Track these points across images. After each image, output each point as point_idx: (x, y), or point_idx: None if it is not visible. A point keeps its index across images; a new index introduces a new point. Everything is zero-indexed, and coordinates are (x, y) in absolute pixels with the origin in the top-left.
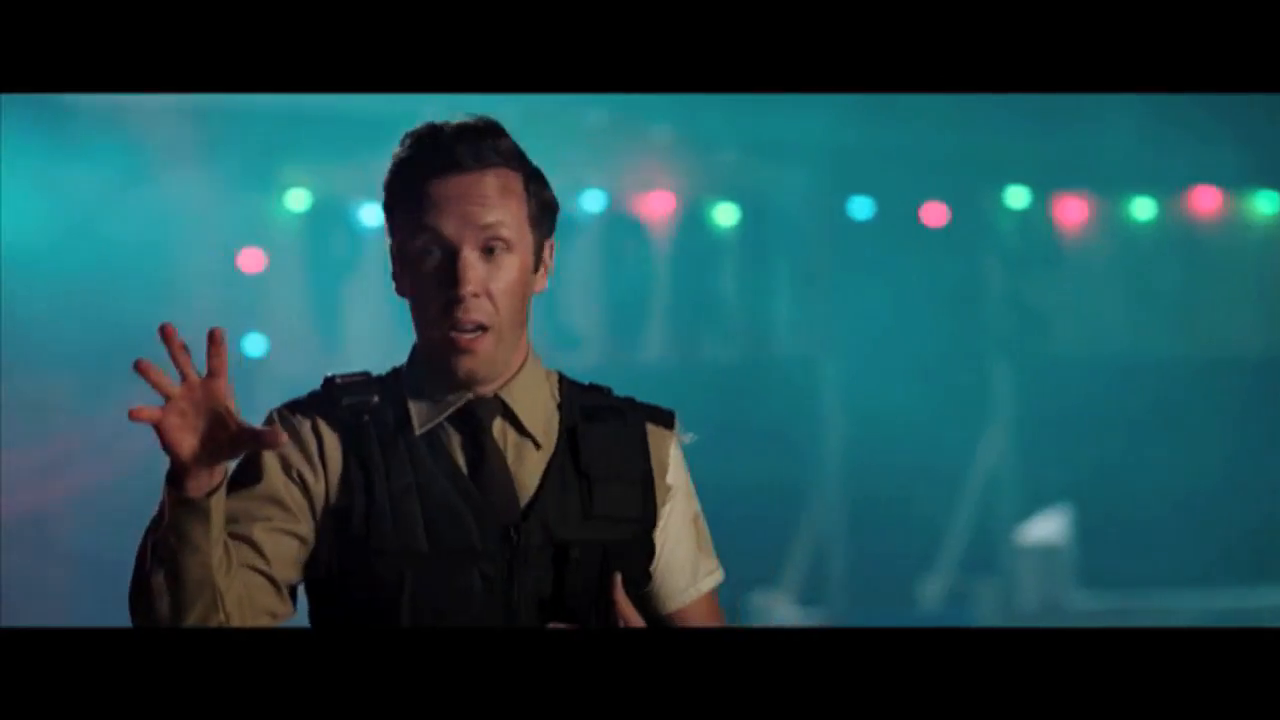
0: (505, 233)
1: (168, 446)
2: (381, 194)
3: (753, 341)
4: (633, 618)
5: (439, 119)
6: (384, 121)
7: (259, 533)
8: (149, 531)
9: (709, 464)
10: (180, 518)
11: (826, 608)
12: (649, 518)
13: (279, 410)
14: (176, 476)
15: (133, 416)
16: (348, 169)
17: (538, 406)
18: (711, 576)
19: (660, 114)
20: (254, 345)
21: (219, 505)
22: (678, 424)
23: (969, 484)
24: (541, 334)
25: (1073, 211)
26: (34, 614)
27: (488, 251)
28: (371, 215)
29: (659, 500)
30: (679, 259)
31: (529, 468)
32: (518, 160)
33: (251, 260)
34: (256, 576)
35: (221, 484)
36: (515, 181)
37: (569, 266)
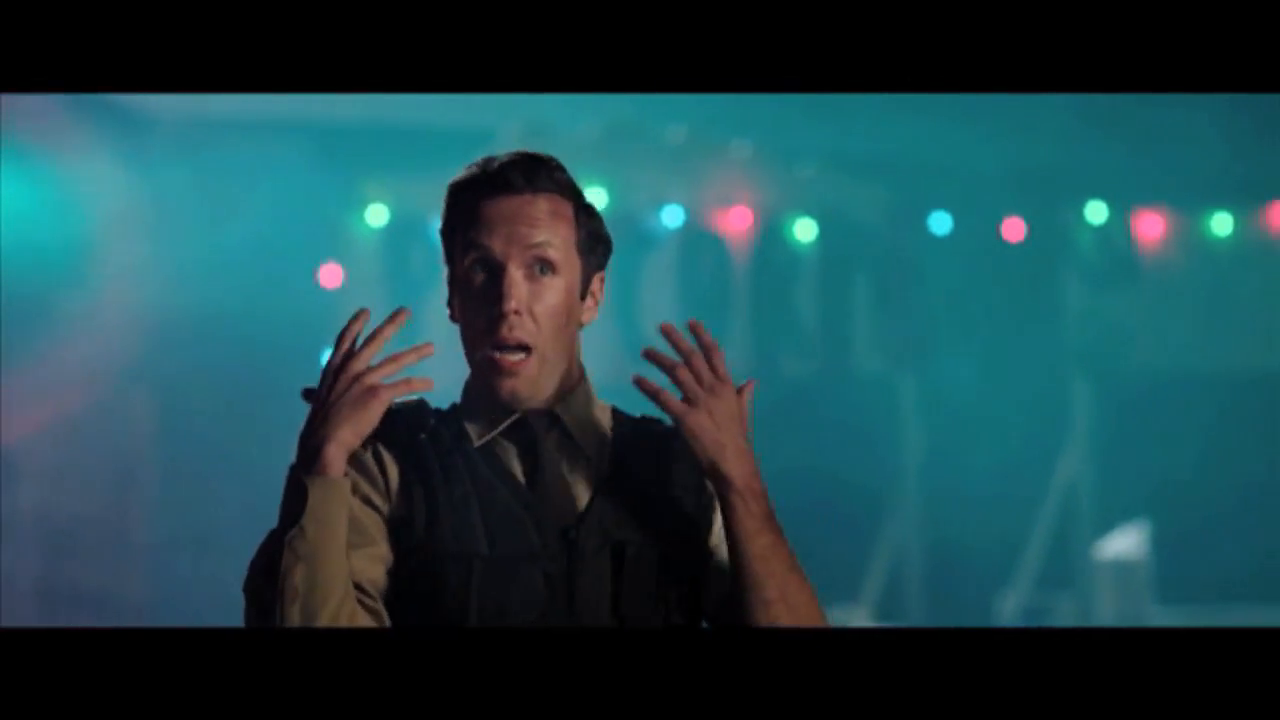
0: (552, 254)
1: (370, 415)
2: (440, 222)
3: (831, 357)
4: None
5: (514, 130)
6: (463, 136)
7: (352, 560)
8: (277, 539)
9: (786, 478)
10: (324, 502)
11: (903, 621)
12: (704, 523)
13: None
14: (321, 460)
15: (412, 385)
16: (427, 184)
17: (591, 423)
18: None
19: (739, 130)
20: None
21: None
22: None
23: (1047, 498)
24: (621, 349)
25: (1151, 226)
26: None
27: (534, 271)
28: None
29: (711, 505)
30: (758, 274)
31: (582, 478)
32: (571, 190)
33: (331, 276)
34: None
35: None
36: (566, 208)
37: (648, 281)
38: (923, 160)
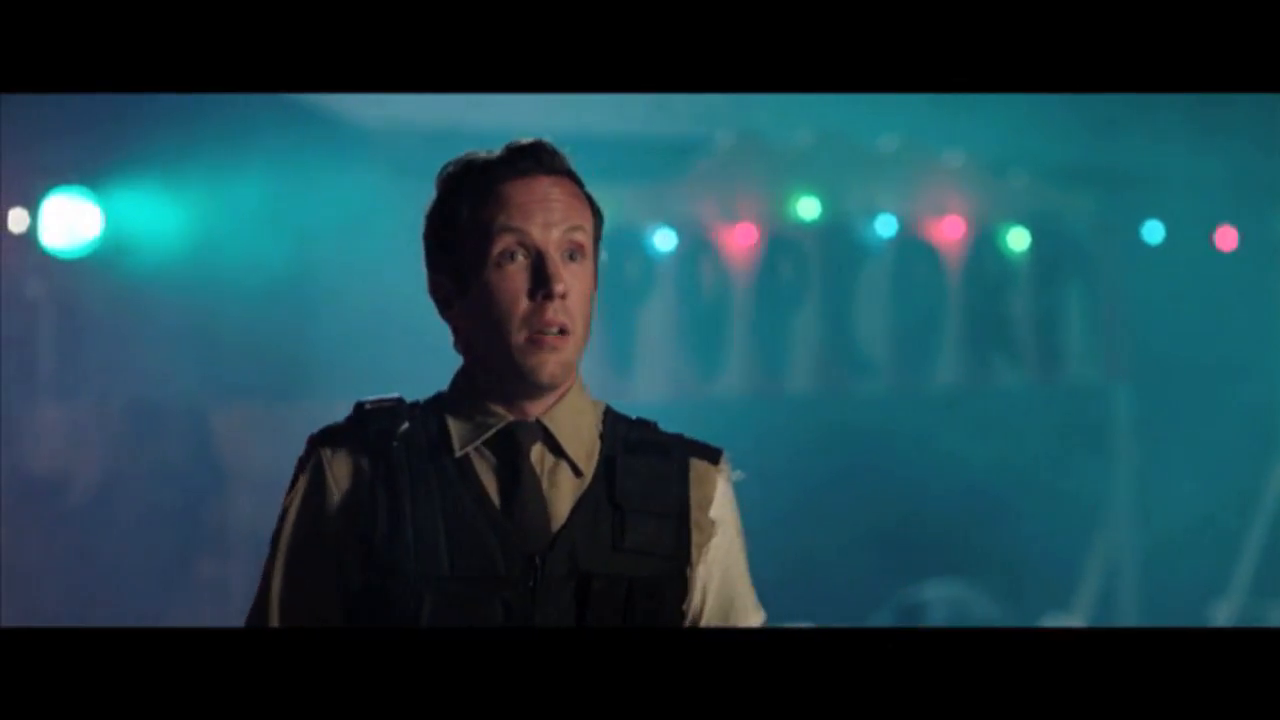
0: (582, 238)
1: None
2: (426, 222)
3: (1044, 366)
4: None
5: (726, 138)
6: (675, 144)
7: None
8: None
9: (1001, 485)
10: None
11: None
12: (683, 554)
13: (313, 437)
14: None
15: None
16: (640, 193)
17: (581, 432)
18: (754, 615)
19: (951, 138)
20: None
21: None
22: (725, 461)
23: (1261, 506)
24: (833, 360)
25: None
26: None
27: (565, 256)
28: (665, 240)
29: (695, 537)
30: (971, 284)
31: (564, 496)
32: (578, 178)
33: None
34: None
35: None
36: (582, 193)
37: (862, 291)
38: (1135, 169)
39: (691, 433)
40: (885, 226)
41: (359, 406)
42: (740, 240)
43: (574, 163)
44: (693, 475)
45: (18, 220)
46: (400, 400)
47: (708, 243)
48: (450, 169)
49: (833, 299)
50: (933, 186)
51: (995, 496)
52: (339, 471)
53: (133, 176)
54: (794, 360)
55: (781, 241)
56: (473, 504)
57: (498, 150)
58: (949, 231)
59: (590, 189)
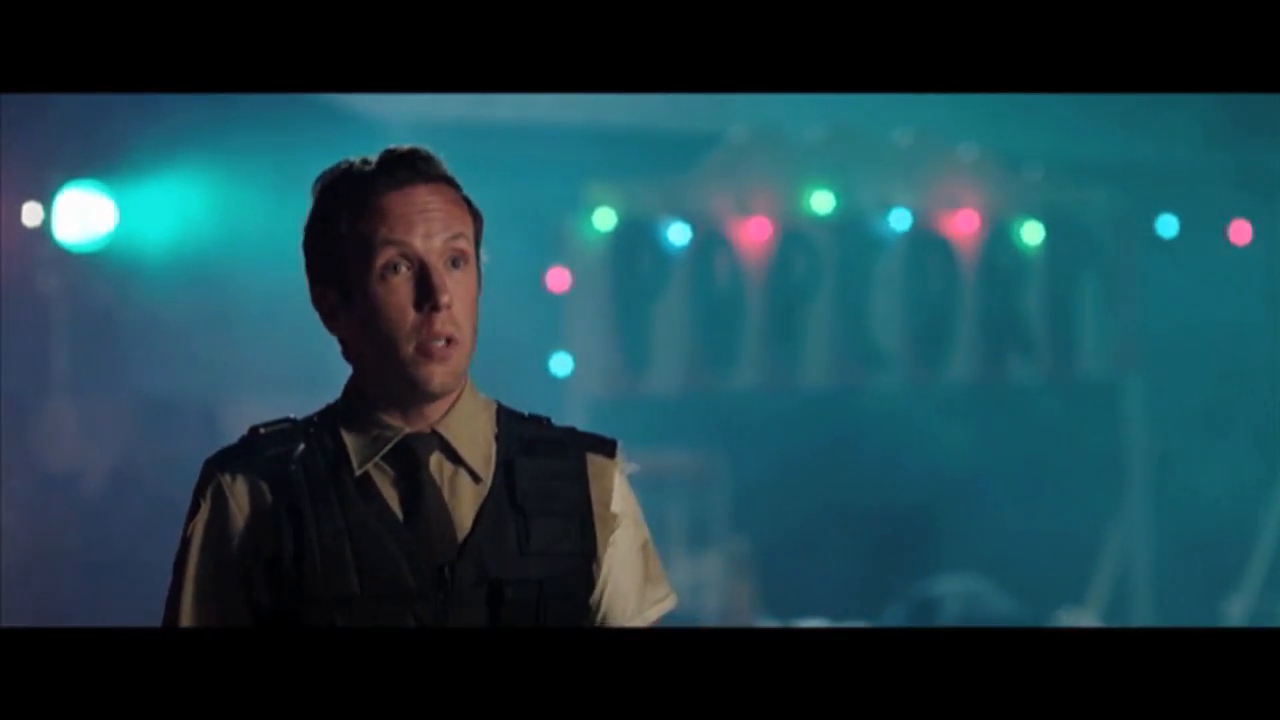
0: (464, 245)
1: None
2: (305, 234)
3: (1058, 360)
4: None
5: (741, 133)
6: (691, 139)
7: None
8: None
9: (1014, 478)
10: None
11: (1131, 624)
12: (588, 550)
13: (210, 462)
14: None
15: None
16: (655, 188)
17: (476, 438)
18: (659, 605)
19: (966, 132)
20: (560, 365)
21: None
22: (620, 453)
23: (1276, 501)
24: (847, 353)
25: None
26: None
27: (448, 264)
28: (679, 234)
29: (599, 532)
30: (985, 277)
31: (466, 503)
32: (456, 183)
33: (558, 280)
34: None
35: None
36: (461, 198)
37: (876, 285)
38: (1149, 163)
39: (708, 426)
40: (899, 220)
41: (253, 431)
42: (754, 234)
43: (450, 166)
44: (591, 471)
45: (32, 214)
46: (293, 421)
47: (722, 237)
48: (327, 179)
49: (846, 293)
50: (947, 180)
51: (1008, 490)
52: (239, 496)
53: (147, 170)
54: (807, 354)
55: (795, 235)
56: (376, 520)
57: (374, 159)
58: (963, 225)
59: (604, 183)
